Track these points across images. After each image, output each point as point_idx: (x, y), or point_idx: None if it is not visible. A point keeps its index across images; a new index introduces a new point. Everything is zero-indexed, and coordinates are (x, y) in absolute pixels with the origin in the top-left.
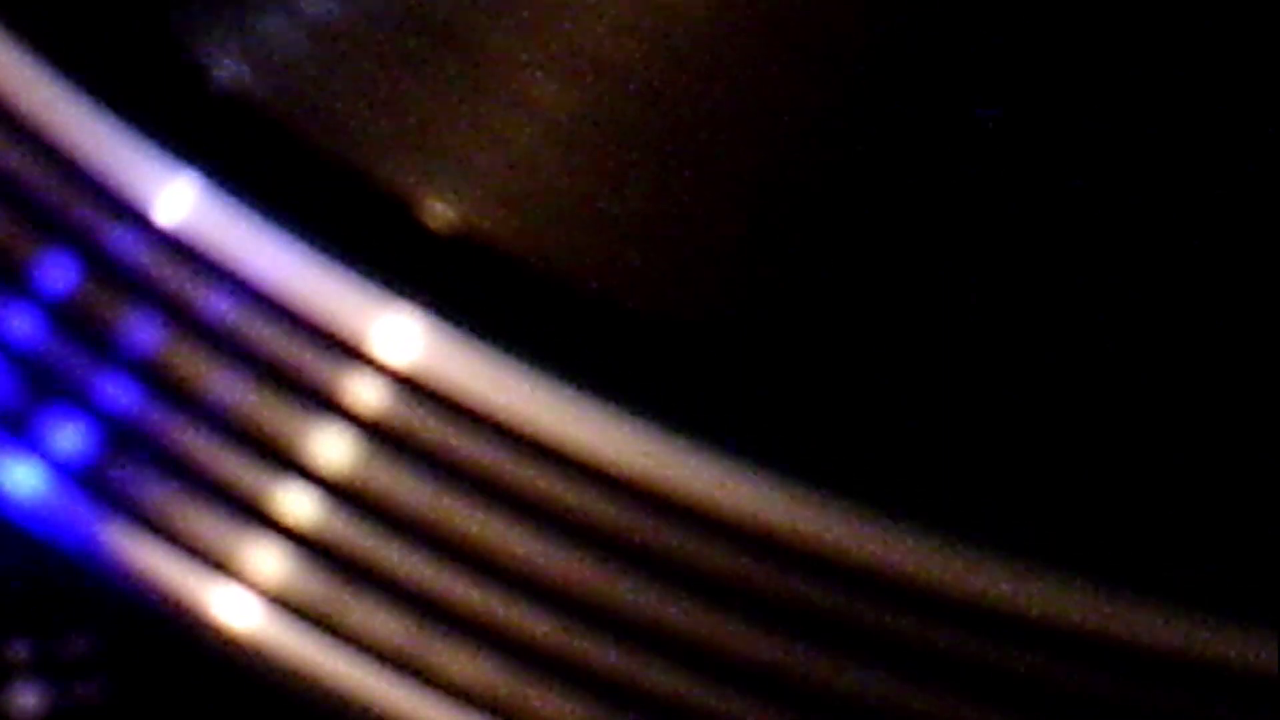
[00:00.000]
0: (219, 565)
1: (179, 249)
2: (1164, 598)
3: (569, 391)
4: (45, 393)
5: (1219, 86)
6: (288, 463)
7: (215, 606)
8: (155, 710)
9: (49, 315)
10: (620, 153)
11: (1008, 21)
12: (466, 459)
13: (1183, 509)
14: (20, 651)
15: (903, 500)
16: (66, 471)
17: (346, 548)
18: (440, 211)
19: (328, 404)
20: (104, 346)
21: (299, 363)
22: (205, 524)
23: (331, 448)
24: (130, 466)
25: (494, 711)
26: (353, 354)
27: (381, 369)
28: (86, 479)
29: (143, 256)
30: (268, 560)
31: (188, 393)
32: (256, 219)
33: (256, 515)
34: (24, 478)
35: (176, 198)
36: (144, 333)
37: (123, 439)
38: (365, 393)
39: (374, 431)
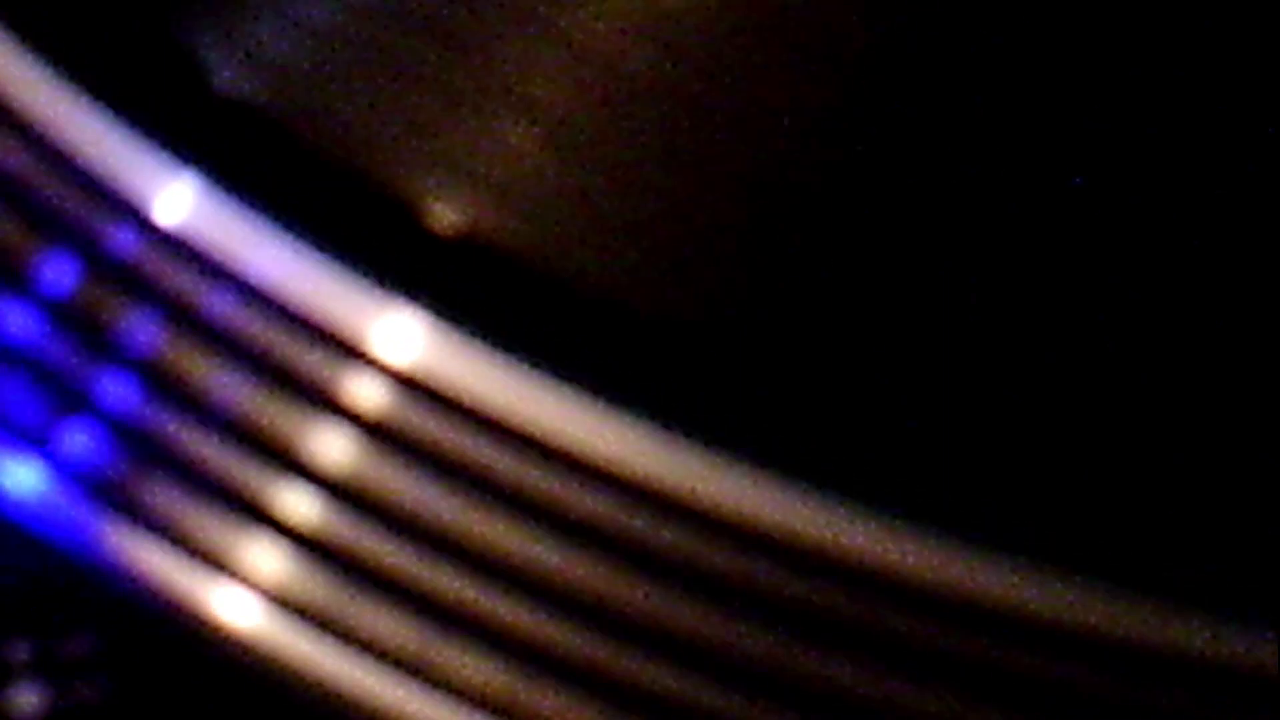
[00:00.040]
0: (219, 565)
1: (180, 249)
2: (1164, 598)
3: (569, 391)
4: (46, 393)
5: (1219, 86)
6: (288, 463)
7: (215, 606)
8: (155, 710)
9: (50, 315)
10: (620, 153)
11: (1008, 21)
12: (466, 459)
13: (1183, 509)
14: (20, 651)
15: (903, 500)
16: (67, 471)
17: (347, 547)
18: (440, 211)
19: (328, 404)
20: (105, 347)
21: (299, 363)
22: (205, 523)
23: (332, 447)
24: (131, 466)
25: (495, 710)
26: (353, 354)
27: (382, 369)
28: (87, 479)
29: (144, 257)
30: (268, 560)
31: (188, 393)
32: (257, 219)
33: (257, 515)
34: (24, 477)
35: (178, 198)
36: (145, 333)
37: (123, 439)
38: (365, 393)
39: (374, 431)
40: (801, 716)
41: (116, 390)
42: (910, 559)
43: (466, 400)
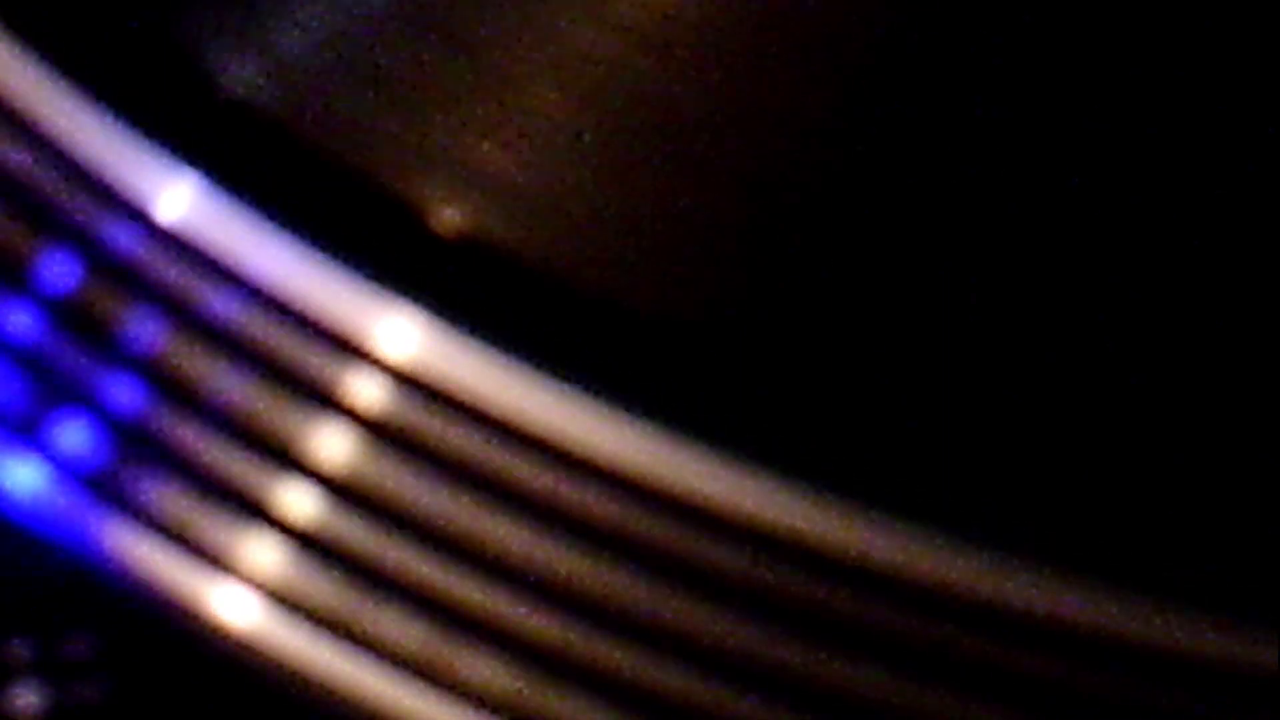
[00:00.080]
0: (219, 563)
1: (181, 249)
2: (1164, 598)
3: (569, 390)
4: (46, 392)
5: (1219, 86)
6: (289, 461)
7: (216, 605)
8: (155, 710)
9: (51, 314)
10: (620, 153)
11: (1007, 21)
12: (466, 458)
13: (1183, 509)
14: (20, 651)
15: (903, 500)
16: (67, 470)
17: (347, 546)
18: (440, 211)
19: (329, 403)
20: (106, 346)
21: (300, 362)
22: (206, 522)
23: (332, 446)
24: (131, 465)
25: (495, 709)
26: (354, 353)
27: (382, 368)
28: (87, 478)
29: (145, 256)
30: (268, 558)
31: (189, 392)
32: (258, 219)
33: (257, 513)
34: (24, 477)
35: (179, 197)
36: (146, 332)
37: (124, 438)
38: (366, 391)
39: (375, 430)
40: (808, 716)
41: (117, 389)
42: (910, 559)
43: (466, 399)
